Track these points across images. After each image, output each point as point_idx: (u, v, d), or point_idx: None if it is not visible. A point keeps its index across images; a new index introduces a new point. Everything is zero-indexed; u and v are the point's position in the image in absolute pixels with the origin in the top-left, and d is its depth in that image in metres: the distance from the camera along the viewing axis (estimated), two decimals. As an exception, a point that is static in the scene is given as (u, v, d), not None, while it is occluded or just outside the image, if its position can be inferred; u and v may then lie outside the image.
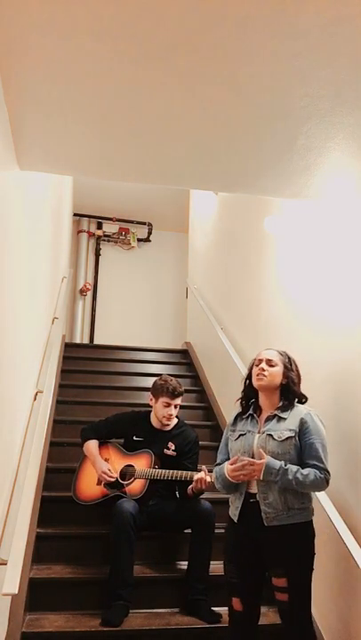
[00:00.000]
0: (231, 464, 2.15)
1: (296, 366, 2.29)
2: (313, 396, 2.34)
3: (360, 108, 1.60)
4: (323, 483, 2.08)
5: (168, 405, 3.00)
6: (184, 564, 2.79)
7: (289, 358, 2.28)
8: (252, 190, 2.38)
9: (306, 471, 2.06)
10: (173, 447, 3.00)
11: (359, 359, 2.39)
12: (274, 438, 2.14)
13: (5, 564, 1.77)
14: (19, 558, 1.79)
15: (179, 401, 3.05)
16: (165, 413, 3.00)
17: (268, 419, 2.21)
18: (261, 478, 2.07)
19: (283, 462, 2.07)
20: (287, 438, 2.13)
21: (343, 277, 2.62)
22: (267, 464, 2.06)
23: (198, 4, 1.21)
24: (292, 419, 2.17)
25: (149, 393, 3.12)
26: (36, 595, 2.55)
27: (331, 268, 2.77)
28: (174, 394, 3.01)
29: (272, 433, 2.15)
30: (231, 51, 1.38)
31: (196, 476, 2.74)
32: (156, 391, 3.05)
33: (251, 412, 2.27)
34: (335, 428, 2.47)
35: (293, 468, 2.06)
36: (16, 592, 1.71)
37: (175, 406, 3.03)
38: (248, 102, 1.60)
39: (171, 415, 3.02)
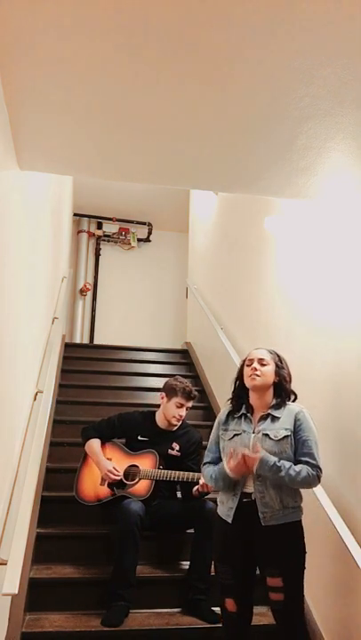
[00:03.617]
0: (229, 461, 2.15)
1: (286, 364, 2.31)
2: (313, 396, 2.34)
3: (360, 108, 1.60)
4: (314, 479, 2.10)
5: (181, 407, 3.01)
6: (185, 564, 2.79)
7: (279, 356, 2.30)
8: (252, 190, 2.38)
9: (298, 468, 2.08)
10: (178, 448, 3.01)
11: (359, 359, 2.39)
12: (270, 438, 2.15)
13: (5, 564, 1.77)
14: (19, 558, 1.79)
15: (191, 404, 3.07)
16: (176, 414, 3.00)
17: (262, 418, 2.21)
18: (254, 471, 2.08)
19: (277, 459, 2.09)
20: (283, 437, 2.14)
21: (343, 278, 2.62)
22: (261, 458, 2.08)
23: (198, 4, 1.21)
24: (287, 417, 2.19)
25: (161, 391, 3.11)
26: (36, 595, 2.55)
27: (331, 269, 2.77)
28: (190, 396, 3.03)
29: (268, 432, 2.16)
30: (231, 51, 1.38)
31: (203, 479, 2.73)
32: (171, 391, 3.04)
33: (244, 411, 2.27)
34: (335, 427, 2.47)
35: (286, 464, 2.08)
36: (16, 592, 1.71)
37: (187, 408, 3.04)
38: (248, 102, 1.60)
39: (181, 416, 3.03)
